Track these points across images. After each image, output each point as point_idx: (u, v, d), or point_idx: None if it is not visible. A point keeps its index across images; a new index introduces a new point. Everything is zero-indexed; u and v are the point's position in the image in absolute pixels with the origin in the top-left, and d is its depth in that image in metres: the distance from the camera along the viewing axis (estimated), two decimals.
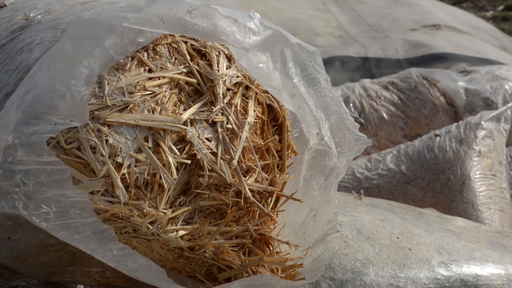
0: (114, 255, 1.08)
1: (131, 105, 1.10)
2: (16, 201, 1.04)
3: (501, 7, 7.96)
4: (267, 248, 1.27)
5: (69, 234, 1.06)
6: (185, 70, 1.17)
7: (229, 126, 1.18)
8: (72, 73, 1.03)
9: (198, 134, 1.15)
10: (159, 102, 1.13)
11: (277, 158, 1.28)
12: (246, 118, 1.20)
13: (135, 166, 1.10)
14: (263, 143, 1.25)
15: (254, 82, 1.23)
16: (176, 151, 1.13)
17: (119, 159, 1.08)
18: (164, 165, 1.11)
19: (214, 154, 1.16)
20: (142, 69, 1.13)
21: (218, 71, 1.19)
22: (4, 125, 1.03)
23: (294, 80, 1.25)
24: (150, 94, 1.12)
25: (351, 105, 3.31)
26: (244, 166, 1.20)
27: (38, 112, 1.03)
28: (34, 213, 1.04)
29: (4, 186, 1.03)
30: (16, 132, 1.02)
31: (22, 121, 1.03)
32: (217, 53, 1.20)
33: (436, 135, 2.76)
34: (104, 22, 1.06)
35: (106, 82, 1.10)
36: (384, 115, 3.28)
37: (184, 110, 1.15)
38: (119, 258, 1.09)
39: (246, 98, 1.22)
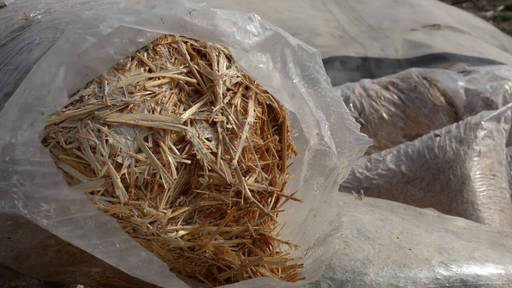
0: (117, 249, 1.07)
1: (131, 105, 1.10)
2: (16, 200, 1.03)
3: (501, 7, 7.96)
4: (267, 248, 1.27)
5: (70, 229, 1.05)
6: (185, 70, 1.17)
7: (229, 126, 1.18)
8: (58, 63, 1.03)
9: (198, 134, 1.15)
10: (159, 102, 1.13)
11: (277, 158, 1.28)
12: (246, 118, 1.20)
13: (135, 166, 1.10)
14: (263, 143, 1.25)
15: (254, 82, 1.23)
16: (176, 151, 1.13)
17: (119, 159, 1.08)
18: (164, 165, 1.11)
19: (214, 154, 1.16)
20: (142, 69, 1.13)
21: (218, 71, 1.19)
22: (3, 124, 1.03)
23: (294, 81, 1.25)
24: (150, 94, 1.12)
25: (351, 105, 3.31)
26: (244, 166, 1.20)
27: (31, 107, 1.03)
28: (34, 211, 1.04)
29: (3, 186, 1.03)
30: (13, 131, 1.02)
31: (18, 118, 1.02)
32: (217, 53, 1.20)
33: (436, 135, 2.76)
34: (101, 19, 1.06)
35: (106, 82, 1.10)
36: (384, 115, 3.28)
37: (184, 110, 1.15)
38: (121, 253, 1.08)
39: (246, 98, 1.22)
